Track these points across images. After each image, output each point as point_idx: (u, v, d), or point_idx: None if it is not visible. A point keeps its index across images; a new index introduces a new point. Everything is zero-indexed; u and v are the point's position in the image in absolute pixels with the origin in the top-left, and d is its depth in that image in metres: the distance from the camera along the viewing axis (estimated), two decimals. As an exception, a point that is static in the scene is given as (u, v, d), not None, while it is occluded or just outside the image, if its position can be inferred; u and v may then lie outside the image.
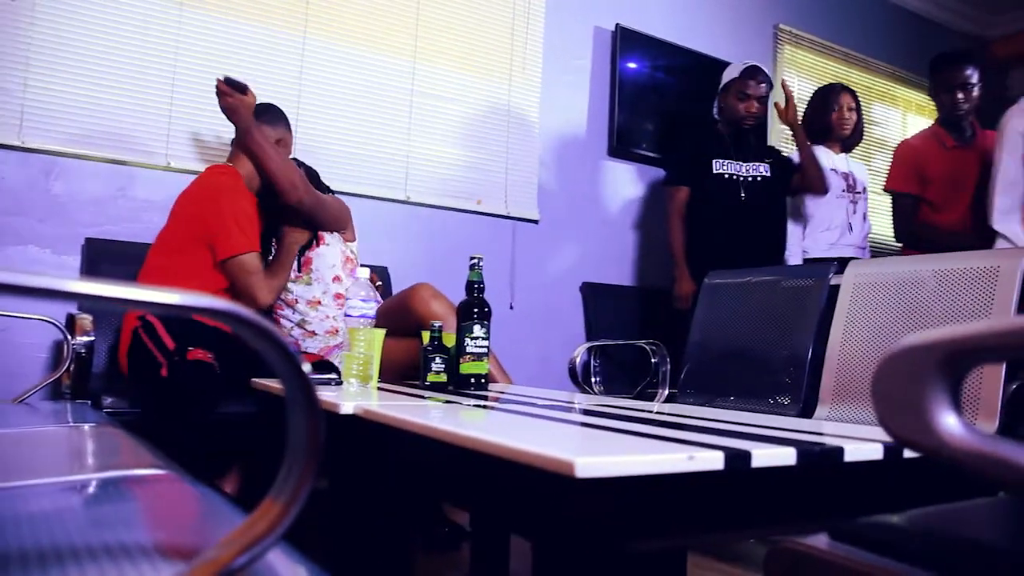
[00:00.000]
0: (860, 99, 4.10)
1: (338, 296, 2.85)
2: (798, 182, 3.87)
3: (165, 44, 3.17)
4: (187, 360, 2.51)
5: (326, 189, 3.04)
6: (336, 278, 2.88)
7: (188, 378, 2.49)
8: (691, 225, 3.86)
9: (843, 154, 4.03)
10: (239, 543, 0.55)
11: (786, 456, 1.06)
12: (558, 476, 0.90)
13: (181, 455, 1.40)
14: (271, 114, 2.94)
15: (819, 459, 1.12)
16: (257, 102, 2.81)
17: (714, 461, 0.98)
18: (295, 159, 3.09)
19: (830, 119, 3.95)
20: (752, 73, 3.81)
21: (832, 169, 3.94)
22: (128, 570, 0.68)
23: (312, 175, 3.04)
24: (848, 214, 3.92)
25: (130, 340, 2.60)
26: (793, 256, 3.94)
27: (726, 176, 3.78)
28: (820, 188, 3.84)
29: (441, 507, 2.78)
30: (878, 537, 0.83)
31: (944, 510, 0.93)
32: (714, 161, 3.80)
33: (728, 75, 3.88)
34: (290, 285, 2.84)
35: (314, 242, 2.88)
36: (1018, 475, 0.55)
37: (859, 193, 3.96)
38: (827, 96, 4.01)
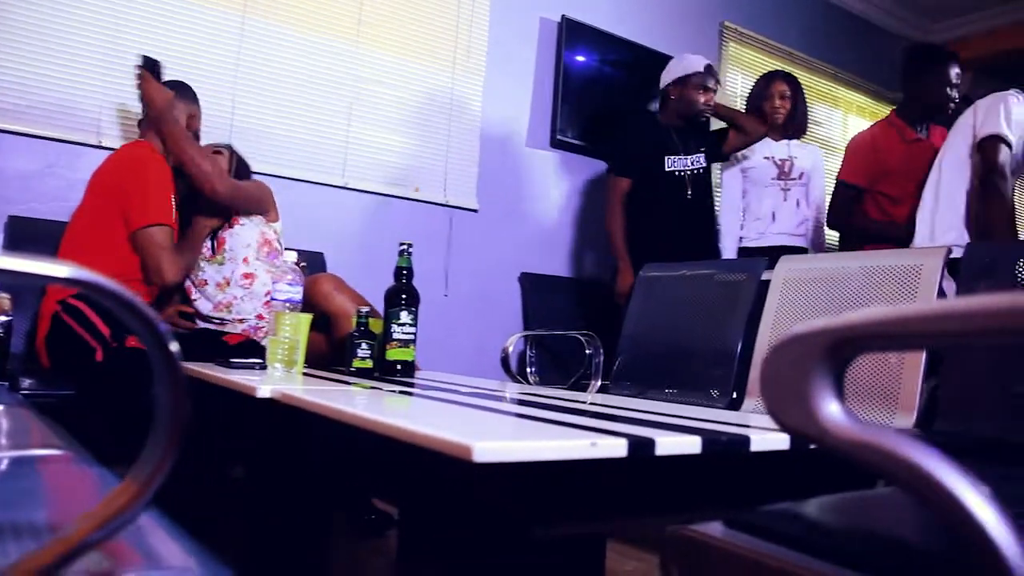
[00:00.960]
0: (806, 97, 4.12)
1: (246, 276, 2.81)
2: (734, 138, 3.93)
3: (102, 18, 3.09)
4: (126, 348, 2.46)
5: (247, 172, 3.00)
6: (245, 259, 2.83)
7: (128, 366, 2.41)
8: (636, 220, 3.85)
9: (785, 141, 4.03)
10: (96, 519, 0.53)
11: (691, 444, 1.06)
12: (458, 460, 0.89)
13: (107, 440, 1.37)
14: (181, 91, 2.89)
15: (725, 448, 1.12)
16: (191, 82, 2.75)
17: (617, 448, 0.98)
18: (228, 145, 3.04)
19: (763, 107, 3.98)
20: (712, 70, 3.87)
21: (766, 157, 3.97)
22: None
23: (242, 165, 3.00)
24: (778, 201, 3.95)
25: (49, 326, 2.53)
26: (728, 249, 3.97)
27: (676, 173, 3.80)
28: (754, 126, 3.91)
29: (367, 494, 2.76)
30: (770, 525, 0.83)
31: (838, 499, 0.94)
32: (667, 158, 3.81)
33: (687, 68, 3.85)
34: (202, 264, 2.80)
35: (227, 224, 2.84)
36: (895, 464, 0.55)
37: (794, 179, 3.96)
38: (762, 84, 4.06)
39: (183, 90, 2.92)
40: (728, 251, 4.04)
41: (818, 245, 4.08)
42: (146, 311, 0.53)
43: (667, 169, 3.80)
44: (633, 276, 3.69)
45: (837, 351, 0.59)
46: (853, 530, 0.84)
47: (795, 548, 0.80)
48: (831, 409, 0.59)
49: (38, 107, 2.97)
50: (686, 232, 3.73)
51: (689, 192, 3.79)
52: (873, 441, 0.56)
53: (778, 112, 3.97)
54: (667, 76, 3.91)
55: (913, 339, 0.61)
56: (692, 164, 3.83)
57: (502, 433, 1.16)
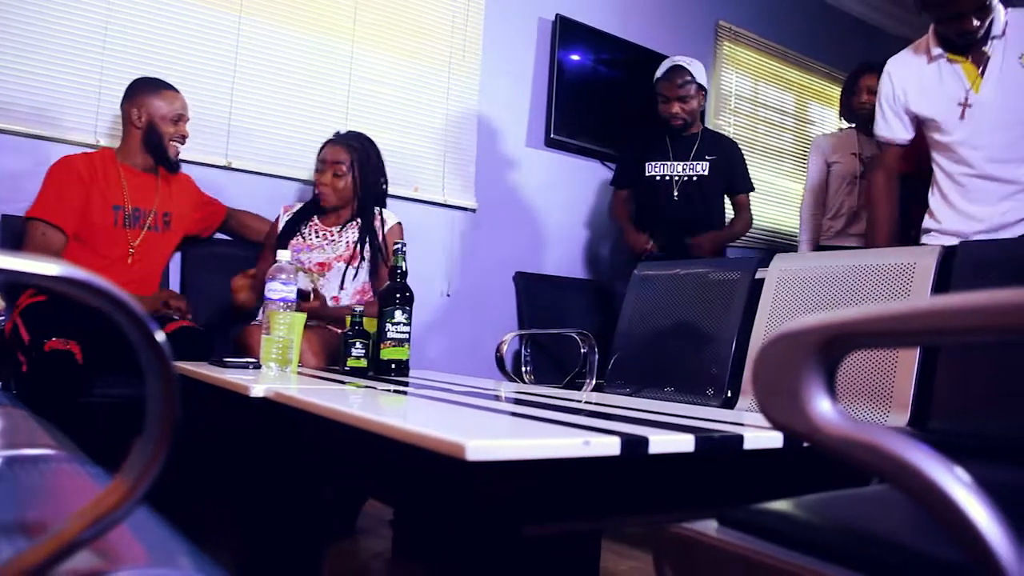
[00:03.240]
0: (797, 97, 4.09)
1: None
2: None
3: (95, 17, 3.08)
4: (44, 352, 2.43)
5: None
6: None
7: (45, 369, 2.40)
8: (637, 218, 3.89)
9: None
10: (87, 517, 0.53)
11: (684, 443, 1.06)
12: (451, 459, 0.89)
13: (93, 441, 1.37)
14: (152, 88, 2.92)
15: (718, 446, 1.12)
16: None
17: (610, 446, 0.98)
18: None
19: (851, 102, 3.93)
20: (671, 75, 3.74)
21: (853, 153, 3.91)
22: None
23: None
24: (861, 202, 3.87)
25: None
26: (804, 242, 4.03)
27: (658, 178, 3.79)
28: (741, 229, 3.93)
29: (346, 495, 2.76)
30: (763, 523, 0.84)
31: (831, 497, 0.94)
32: (647, 164, 3.81)
33: (656, 75, 3.82)
34: None
35: None
36: (885, 461, 0.56)
37: None
38: (850, 79, 4.00)
39: (153, 87, 2.92)
40: (804, 244, 4.01)
41: None
42: (136, 309, 0.53)
43: (647, 174, 3.80)
44: (638, 233, 3.76)
45: (828, 348, 0.59)
46: (846, 528, 0.84)
47: (789, 546, 0.80)
48: (822, 406, 0.59)
49: (30, 106, 2.95)
50: (676, 237, 3.71)
51: (675, 195, 3.77)
52: (864, 438, 0.57)
53: (864, 107, 3.74)
54: None
55: (904, 337, 0.61)
56: (684, 170, 3.79)
57: (495, 432, 1.16)
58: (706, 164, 3.80)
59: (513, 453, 0.91)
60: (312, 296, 2.67)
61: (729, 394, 2.45)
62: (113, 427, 2.55)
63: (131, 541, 0.69)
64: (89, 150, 3.00)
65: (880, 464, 0.55)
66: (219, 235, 3.31)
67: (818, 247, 3.94)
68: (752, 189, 3.93)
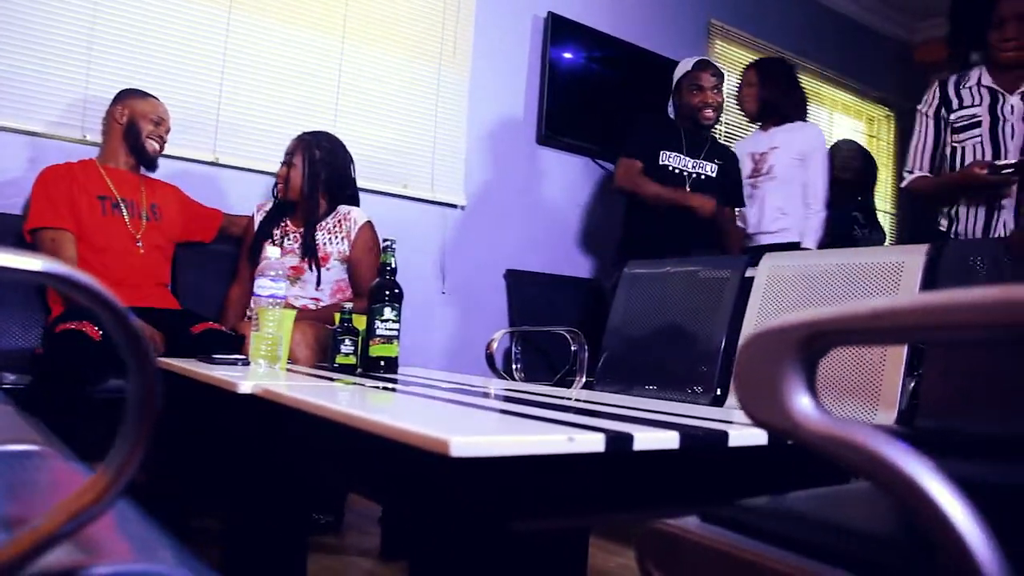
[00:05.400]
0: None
1: None
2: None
3: (81, 12, 3.07)
4: (55, 332, 2.46)
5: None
6: None
7: (58, 350, 2.40)
8: (634, 212, 3.83)
9: (773, 129, 3.97)
10: (66, 512, 0.53)
11: (669, 440, 1.07)
12: (436, 455, 0.89)
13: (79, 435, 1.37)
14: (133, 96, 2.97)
15: (703, 443, 1.13)
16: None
17: (595, 443, 0.98)
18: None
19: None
20: (703, 66, 3.76)
21: (748, 152, 3.99)
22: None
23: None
24: (751, 201, 3.95)
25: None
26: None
27: (670, 168, 3.73)
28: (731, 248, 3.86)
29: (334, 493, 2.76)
30: (745, 519, 0.84)
31: (813, 494, 0.94)
32: (661, 152, 3.74)
33: (679, 71, 3.81)
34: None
35: None
36: (863, 458, 0.56)
37: (764, 176, 3.93)
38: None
39: (139, 93, 2.97)
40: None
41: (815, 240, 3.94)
42: (114, 302, 0.53)
43: (660, 163, 3.73)
44: (703, 196, 3.67)
45: (808, 346, 0.60)
46: (828, 524, 0.84)
47: (771, 542, 0.80)
48: (802, 403, 0.60)
49: (20, 102, 2.95)
50: (683, 233, 3.62)
51: (689, 190, 3.71)
52: (843, 435, 0.57)
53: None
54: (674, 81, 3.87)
55: (883, 334, 0.61)
56: (694, 168, 3.75)
57: (480, 428, 1.16)
58: (715, 167, 3.79)
59: (497, 449, 0.92)
60: None
61: (719, 392, 2.46)
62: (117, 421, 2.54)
63: (114, 535, 0.69)
64: (76, 145, 3.02)
65: (859, 461, 0.56)
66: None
67: None
68: (743, 205, 3.94)
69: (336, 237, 2.96)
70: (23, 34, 2.95)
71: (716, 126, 3.93)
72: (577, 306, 4.19)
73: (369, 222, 3.03)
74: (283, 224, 3.03)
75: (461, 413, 1.35)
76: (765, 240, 3.88)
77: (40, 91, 2.99)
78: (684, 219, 3.64)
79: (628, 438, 1.01)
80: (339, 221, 2.99)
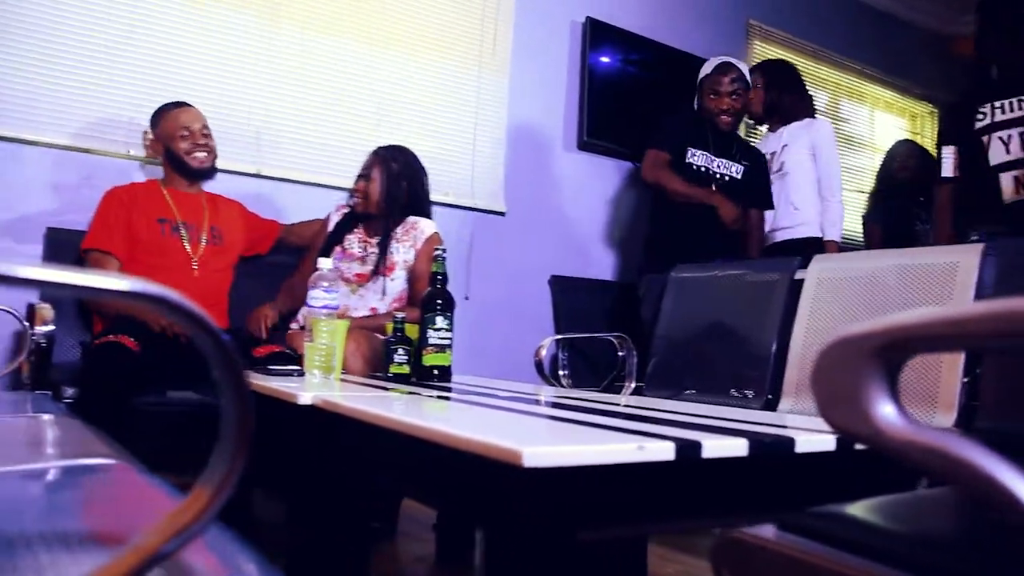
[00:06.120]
0: (830, 96, 4.06)
1: None
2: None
3: (132, 31, 3.13)
4: (94, 345, 2.50)
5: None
6: None
7: (97, 362, 2.44)
8: (658, 211, 3.80)
9: (782, 130, 3.97)
10: (168, 530, 0.54)
11: (737, 447, 1.06)
12: (507, 465, 0.90)
13: (139, 447, 1.39)
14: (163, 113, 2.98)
15: (770, 450, 1.12)
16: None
17: (664, 451, 0.98)
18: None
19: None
20: (723, 69, 3.69)
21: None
22: (62, 557, 0.67)
23: None
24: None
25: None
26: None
27: (696, 167, 3.69)
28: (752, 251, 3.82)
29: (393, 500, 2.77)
30: (824, 528, 0.83)
31: (890, 501, 0.93)
32: (688, 149, 3.69)
33: (701, 72, 3.77)
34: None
35: None
36: (950, 465, 0.55)
37: (776, 173, 3.94)
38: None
39: (159, 113, 2.98)
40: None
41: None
42: (207, 320, 0.54)
43: (687, 160, 3.69)
44: (730, 202, 3.62)
45: (889, 352, 0.59)
46: (907, 532, 0.84)
47: (849, 550, 0.80)
48: (885, 410, 0.59)
49: (73, 121, 3.01)
50: (708, 232, 3.59)
51: (714, 190, 3.67)
52: (931, 442, 0.56)
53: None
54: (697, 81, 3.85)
55: (968, 340, 0.61)
56: (720, 168, 3.72)
57: (549, 438, 1.16)
58: (741, 168, 3.75)
59: (569, 459, 0.92)
60: None
61: (770, 396, 2.44)
62: (164, 433, 2.60)
63: (203, 551, 0.70)
64: (126, 162, 3.08)
65: (948, 468, 0.55)
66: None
67: None
68: (772, 207, 3.89)
69: (403, 246, 2.97)
70: (75, 55, 3.01)
71: (738, 125, 3.87)
72: (618, 309, 4.17)
73: (436, 233, 3.03)
74: (356, 231, 3.05)
75: (525, 422, 1.36)
76: (781, 237, 3.90)
77: (90, 109, 3.05)
78: (707, 220, 3.60)
79: (697, 446, 1.01)
80: (407, 230, 3.00)
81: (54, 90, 2.98)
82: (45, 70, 2.96)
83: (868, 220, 4.75)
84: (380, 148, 3.08)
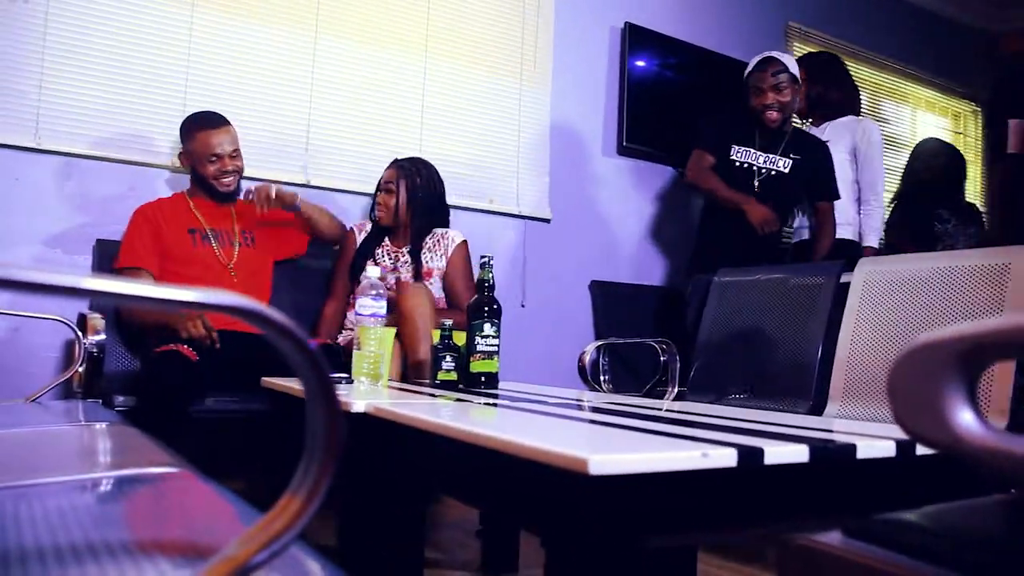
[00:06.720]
0: (871, 96, 4.00)
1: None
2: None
3: (177, 45, 3.18)
4: (154, 354, 2.54)
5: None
6: None
7: (159, 370, 2.48)
8: (707, 216, 3.79)
9: (826, 124, 3.95)
10: (258, 540, 0.55)
11: (798, 453, 1.06)
12: (571, 473, 0.90)
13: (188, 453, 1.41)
14: (200, 123, 2.97)
15: (832, 456, 1.12)
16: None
17: (727, 458, 0.98)
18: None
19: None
20: (763, 65, 3.61)
21: None
22: (147, 568, 0.69)
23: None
24: None
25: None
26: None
27: (738, 164, 3.64)
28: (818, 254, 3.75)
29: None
30: (892, 534, 0.82)
31: (958, 507, 0.92)
32: (732, 146, 3.65)
33: (746, 70, 3.69)
34: None
35: None
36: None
37: None
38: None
39: (188, 129, 2.97)
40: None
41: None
42: (298, 333, 0.55)
43: (731, 157, 3.65)
44: (761, 206, 3.55)
45: (969, 359, 0.59)
46: (976, 538, 0.83)
47: (918, 557, 0.79)
48: (965, 417, 0.59)
49: (120, 134, 3.07)
50: (748, 233, 3.54)
51: (756, 187, 3.63)
52: (1012, 449, 0.56)
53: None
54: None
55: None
56: (764, 163, 3.65)
57: (611, 445, 1.16)
58: (789, 162, 3.66)
59: (634, 467, 0.92)
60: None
61: (813, 401, 2.42)
62: (210, 439, 2.63)
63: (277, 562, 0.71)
64: (170, 173, 3.13)
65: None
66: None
67: None
68: (838, 197, 3.79)
69: (436, 255, 3.11)
70: (121, 68, 3.07)
71: (787, 121, 3.73)
72: (659, 314, 4.16)
73: (465, 241, 3.19)
74: (383, 244, 3.16)
75: (582, 429, 1.36)
76: (809, 235, 3.86)
77: (139, 122, 3.10)
78: (738, 213, 3.56)
79: (759, 452, 1.01)
80: (438, 240, 3.15)
81: (103, 106, 3.04)
82: (96, 86, 3.03)
83: (888, 223, 4.67)
84: (400, 160, 3.19)
